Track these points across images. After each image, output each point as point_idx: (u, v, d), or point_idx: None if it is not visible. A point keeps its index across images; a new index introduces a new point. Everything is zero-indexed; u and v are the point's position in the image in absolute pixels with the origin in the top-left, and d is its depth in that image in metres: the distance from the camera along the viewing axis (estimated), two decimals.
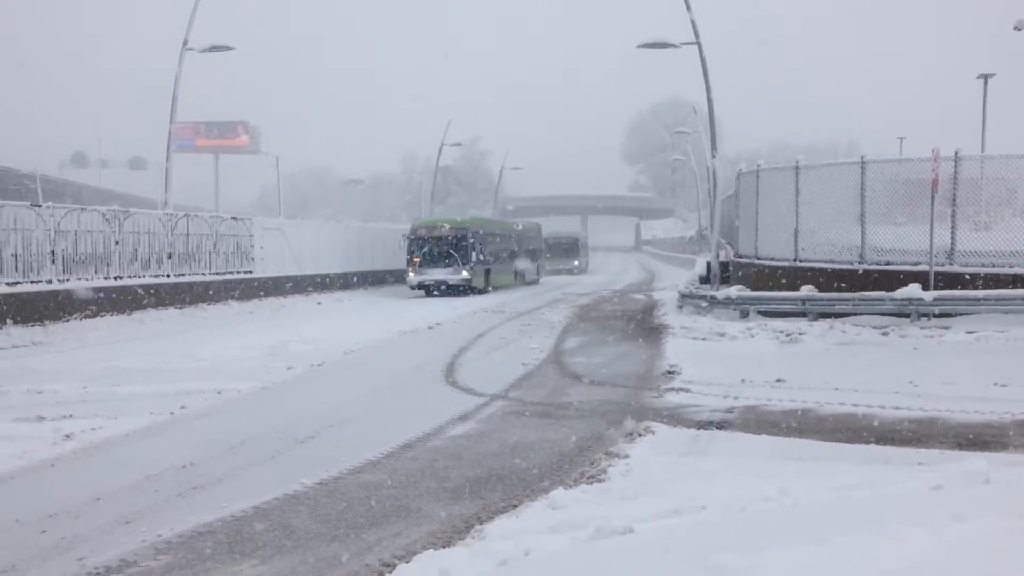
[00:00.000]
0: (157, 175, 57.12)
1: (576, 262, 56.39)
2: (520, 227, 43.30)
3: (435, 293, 31.85)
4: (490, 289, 34.13)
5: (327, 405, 10.71)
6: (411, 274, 32.36)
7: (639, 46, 23.38)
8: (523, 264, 41.00)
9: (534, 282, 42.52)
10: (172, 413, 9.91)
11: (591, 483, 6.74)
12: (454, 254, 32.11)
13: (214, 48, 25.55)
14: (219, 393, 11.15)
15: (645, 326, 19.65)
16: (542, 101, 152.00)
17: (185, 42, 24.89)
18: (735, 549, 4.56)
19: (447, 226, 32.94)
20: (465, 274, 32.00)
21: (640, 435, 8.32)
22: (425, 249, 32.40)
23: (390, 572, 5.04)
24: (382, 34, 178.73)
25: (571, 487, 6.65)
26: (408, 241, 32.91)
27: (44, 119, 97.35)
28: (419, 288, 32.31)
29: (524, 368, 13.53)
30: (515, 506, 6.35)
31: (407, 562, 5.15)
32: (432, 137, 53.57)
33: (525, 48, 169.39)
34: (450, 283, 31.84)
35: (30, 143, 73.25)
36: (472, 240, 32.51)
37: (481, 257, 33.57)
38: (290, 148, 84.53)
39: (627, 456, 7.49)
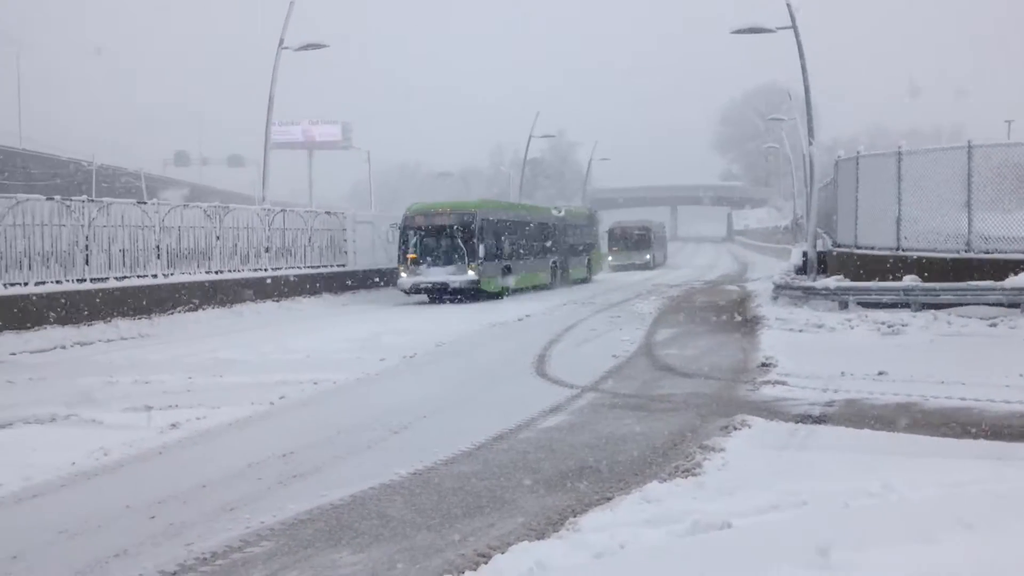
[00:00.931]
0: (254, 172, 58.88)
1: (648, 256, 49.10)
2: (561, 213, 35.42)
3: (446, 299, 25.59)
4: (509, 292, 27.47)
5: (420, 396, 10.84)
6: (403, 275, 25.65)
7: (733, 32, 22.92)
8: (564, 259, 33.64)
9: (583, 281, 35.29)
10: (272, 403, 10.17)
11: (686, 477, 6.64)
12: (457, 248, 25.44)
13: (308, 46, 26.04)
14: (315, 384, 11.39)
15: (739, 318, 19.29)
16: (632, 91, 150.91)
17: (281, 41, 25.46)
18: (839, 545, 4.44)
19: (449, 212, 26.21)
20: (470, 274, 25.15)
21: (736, 428, 8.16)
22: (421, 242, 25.91)
23: (486, 563, 5.05)
24: (473, 31, 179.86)
25: (666, 480, 6.56)
26: (400, 232, 26.23)
27: (148, 119, 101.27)
28: (413, 292, 25.73)
29: (615, 360, 13.44)
30: (609, 499, 6.30)
31: (502, 553, 5.16)
32: (521, 130, 53.60)
33: (614, 39, 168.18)
34: (451, 286, 25.26)
35: (135, 143, 76.25)
36: (482, 229, 25.68)
37: (496, 251, 26.85)
38: (382, 144, 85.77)
39: (723, 450, 7.35)
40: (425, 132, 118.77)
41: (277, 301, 23.97)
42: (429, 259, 25.75)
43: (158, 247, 20.61)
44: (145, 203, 21.12)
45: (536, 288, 29.99)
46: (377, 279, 30.15)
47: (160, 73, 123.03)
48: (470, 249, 25.31)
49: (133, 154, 59.18)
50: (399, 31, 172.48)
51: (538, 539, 5.45)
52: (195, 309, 20.86)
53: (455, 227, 25.72)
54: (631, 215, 63.06)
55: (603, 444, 8.06)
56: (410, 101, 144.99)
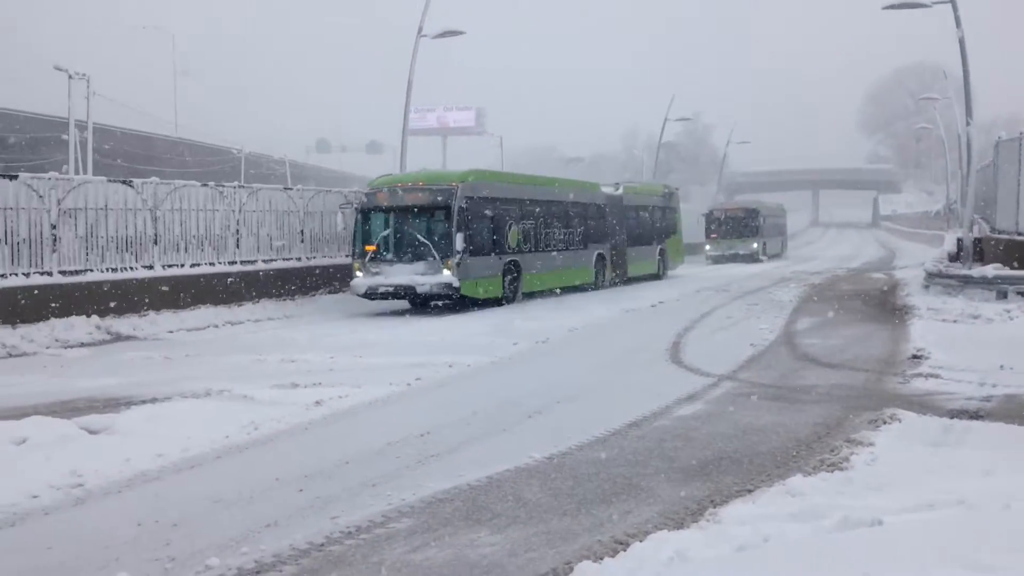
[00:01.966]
0: (391, 158, 60.33)
1: (754, 245, 40.60)
2: (618, 190, 27.22)
3: (432, 306, 19.41)
4: (517, 298, 20.49)
5: (553, 381, 10.86)
6: (359, 274, 18.73)
7: (885, 8, 21.89)
8: (619, 251, 26.16)
9: (651, 278, 28.08)
10: (409, 384, 10.41)
11: (832, 471, 6.39)
12: (429, 238, 18.38)
13: (446, 33, 26.33)
14: (451, 367, 11.57)
15: (886, 307, 18.47)
16: (772, 71, 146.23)
17: (420, 29, 25.86)
18: (1001, 548, 4.17)
19: (421, 186, 18.92)
20: (446, 274, 17.99)
21: (885, 423, 7.79)
22: (383, 229, 18.92)
23: (624, 550, 5.00)
24: (608, 12, 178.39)
25: (810, 474, 6.33)
26: (356, 214, 19.27)
27: (292, 108, 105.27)
28: (371, 297, 18.74)
29: (753, 349, 13.09)
30: (750, 491, 6.13)
31: (640, 541, 5.09)
32: (655, 114, 52.87)
33: (754, 17, 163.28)
34: (419, 290, 18.17)
35: (280, 131, 79.40)
36: (467, 212, 18.47)
37: (494, 241, 19.71)
38: (514, 128, 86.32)
39: (871, 444, 7.04)
40: (558, 117, 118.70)
41: None
42: (390, 253, 18.73)
43: (302, 232, 21.40)
44: (291, 189, 21.97)
45: (566, 291, 22.74)
46: None
47: (303, 61, 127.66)
48: (446, 239, 18.15)
49: (277, 141, 61.74)
50: (532, 13, 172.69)
51: (677, 529, 5.36)
52: (335, 292, 21.57)
53: (428, 208, 18.62)
54: (767, 200, 60.60)
55: (742, 434, 7.86)
56: (543, 85, 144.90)
